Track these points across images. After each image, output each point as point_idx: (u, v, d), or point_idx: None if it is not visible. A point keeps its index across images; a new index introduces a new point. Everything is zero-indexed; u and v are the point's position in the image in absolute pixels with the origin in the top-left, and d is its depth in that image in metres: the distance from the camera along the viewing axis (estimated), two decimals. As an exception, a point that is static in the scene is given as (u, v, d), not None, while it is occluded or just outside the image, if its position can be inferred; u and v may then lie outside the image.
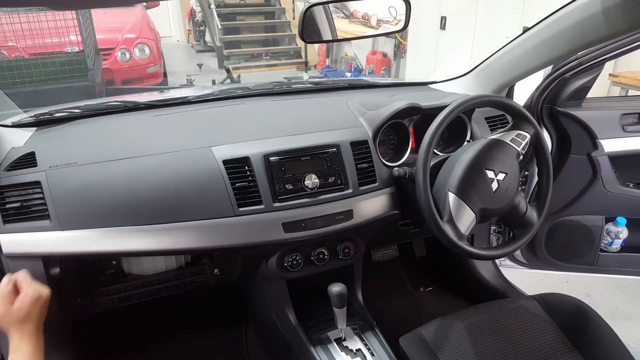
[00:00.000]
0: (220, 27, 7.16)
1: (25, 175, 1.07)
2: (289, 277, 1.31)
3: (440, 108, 1.17)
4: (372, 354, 1.24)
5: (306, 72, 7.12)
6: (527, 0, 3.55)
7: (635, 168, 1.64)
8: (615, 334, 1.16)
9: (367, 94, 1.57)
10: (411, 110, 1.31)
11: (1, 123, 1.28)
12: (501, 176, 1.15)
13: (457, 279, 1.91)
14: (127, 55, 5.17)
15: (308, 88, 1.65)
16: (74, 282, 1.23)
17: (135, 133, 1.26)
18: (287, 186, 1.16)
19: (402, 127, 1.33)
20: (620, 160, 1.59)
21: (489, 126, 1.45)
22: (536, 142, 1.21)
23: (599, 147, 1.55)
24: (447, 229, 1.11)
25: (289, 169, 1.17)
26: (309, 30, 1.28)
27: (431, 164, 1.15)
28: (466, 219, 1.12)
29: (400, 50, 5.70)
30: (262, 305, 1.50)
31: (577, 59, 1.42)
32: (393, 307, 1.88)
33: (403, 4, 1.33)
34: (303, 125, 1.27)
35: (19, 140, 1.20)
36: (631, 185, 1.64)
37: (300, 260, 1.27)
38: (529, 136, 1.19)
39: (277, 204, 1.15)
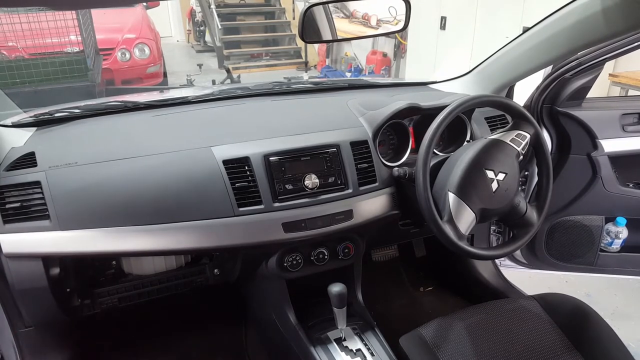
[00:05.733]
0: (220, 27, 7.16)
1: (25, 175, 1.07)
2: (288, 277, 1.31)
3: (440, 108, 1.17)
4: (372, 354, 1.24)
5: (306, 72, 7.12)
6: (527, 0, 3.55)
7: (635, 168, 1.64)
8: (615, 334, 1.16)
9: (367, 94, 1.57)
10: (411, 110, 1.31)
11: (1, 123, 1.28)
12: (501, 176, 1.15)
13: (457, 279, 1.91)
14: (127, 55, 5.17)
15: (308, 88, 1.65)
16: (74, 282, 1.23)
17: (135, 133, 1.26)
18: (287, 186, 1.16)
19: (402, 127, 1.33)
20: (620, 160, 1.59)
21: (489, 126, 1.45)
22: (536, 142, 1.21)
23: (599, 147, 1.55)
24: (447, 229, 1.11)
25: (288, 169, 1.17)
26: (309, 30, 1.28)
27: (431, 164, 1.15)
28: (466, 219, 1.12)
29: (400, 50, 5.70)
30: (262, 305, 1.50)
31: (577, 59, 1.42)
32: (393, 307, 1.88)
33: (403, 4, 1.33)
34: (303, 125, 1.27)
35: (19, 140, 1.20)
36: (631, 185, 1.64)
37: (300, 260, 1.27)
38: (528, 136, 1.19)
39: (277, 204, 1.15)
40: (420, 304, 1.91)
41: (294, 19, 7.63)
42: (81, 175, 1.08)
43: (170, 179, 1.11)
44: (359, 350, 1.25)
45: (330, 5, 1.34)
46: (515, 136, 1.19)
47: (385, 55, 5.90)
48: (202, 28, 8.47)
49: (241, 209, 1.13)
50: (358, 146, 1.24)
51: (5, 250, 1.04)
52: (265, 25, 8.23)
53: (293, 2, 7.63)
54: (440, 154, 1.34)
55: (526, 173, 1.62)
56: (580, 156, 1.57)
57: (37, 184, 1.06)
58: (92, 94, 3.82)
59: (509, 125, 1.22)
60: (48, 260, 1.10)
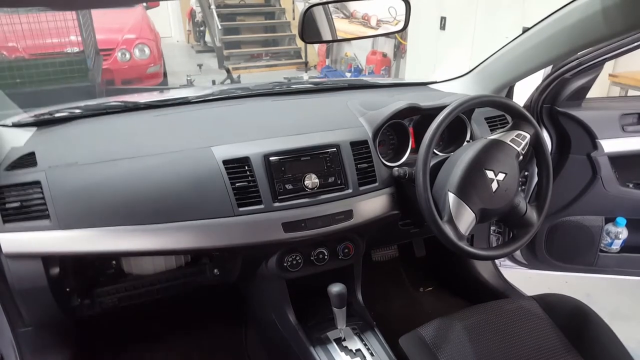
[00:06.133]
0: (220, 27, 7.16)
1: (25, 175, 1.07)
2: (288, 277, 1.31)
3: (440, 108, 1.18)
4: (371, 354, 1.24)
5: (306, 72, 7.12)
6: (526, 0, 3.55)
7: (635, 168, 1.64)
8: (615, 334, 1.16)
9: (367, 94, 1.57)
10: (411, 111, 1.31)
11: (1, 123, 1.28)
12: (501, 176, 1.15)
13: (457, 279, 1.91)
14: (127, 56, 5.17)
15: (308, 88, 1.65)
16: (73, 282, 1.23)
17: (135, 133, 1.26)
18: (287, 186, 1.16)
19: (402, 127, 1.33)
20: (620, 161, 1.59)
21: (489, 126, 1.45)
22: (536, 142, 1.21)
23: (599, 147, 1.55)
24: (447, 229, 1.11)
25: (288, 169, 1.17)
26: (309, 30, 1.28)
27: (431, 164, 1.15)
28: (466, 219, 1.13)
29: (400, 51, 5.70)
30: (262, 305, 1.50)
31: (577, 59, 1.42)
32: (393, 307, 1.88)
33: (403, 4, 1.33)
34: (303, 125, 1.27)
35: (19, 140, 1.20)
36: (631, 186, 1.64)
37: (300, 261, 1.27)
38: (528, 136, 1.19)
39: (277, 204, 1.15)
40: (420, 304, 1.91)
41: (294, 19, 7.63)
42: (81, 175, 1.08)
43: (171, 178, 1.11)
44: (358, 350, 1.25)
45: (330, 5, 1.34)
46: (515, 136, 1.19)
47: (385, 55, 5.90)
48: (202, 28, 8.47)
49: (241, 209, 1.13)
50: (358, 146, 1.24)
51: (5, 249, 1.04)
52: (265, 26, 8.23)
53: (293, 3, 7.64)
54: (440, 154, 1.34)
55: (526, 173, 1.62)
56: (580, 156, 1.57)
57: (37, 183, 1.06)
58: (92, 94, 3.82)
59: (509, 126, 1.23)
60: (48, 260, 1.10)
